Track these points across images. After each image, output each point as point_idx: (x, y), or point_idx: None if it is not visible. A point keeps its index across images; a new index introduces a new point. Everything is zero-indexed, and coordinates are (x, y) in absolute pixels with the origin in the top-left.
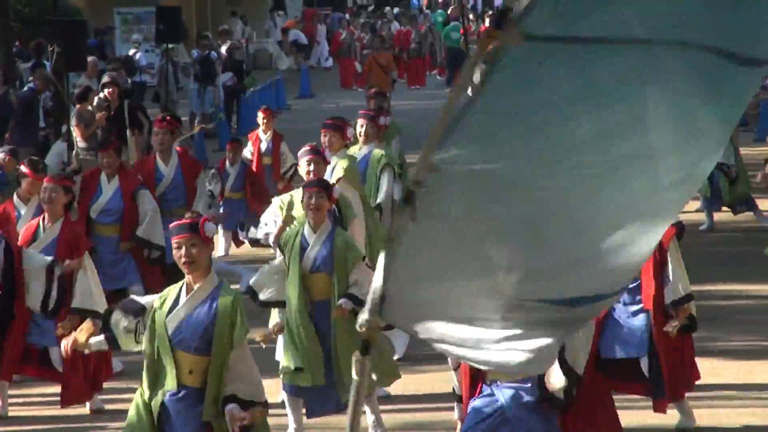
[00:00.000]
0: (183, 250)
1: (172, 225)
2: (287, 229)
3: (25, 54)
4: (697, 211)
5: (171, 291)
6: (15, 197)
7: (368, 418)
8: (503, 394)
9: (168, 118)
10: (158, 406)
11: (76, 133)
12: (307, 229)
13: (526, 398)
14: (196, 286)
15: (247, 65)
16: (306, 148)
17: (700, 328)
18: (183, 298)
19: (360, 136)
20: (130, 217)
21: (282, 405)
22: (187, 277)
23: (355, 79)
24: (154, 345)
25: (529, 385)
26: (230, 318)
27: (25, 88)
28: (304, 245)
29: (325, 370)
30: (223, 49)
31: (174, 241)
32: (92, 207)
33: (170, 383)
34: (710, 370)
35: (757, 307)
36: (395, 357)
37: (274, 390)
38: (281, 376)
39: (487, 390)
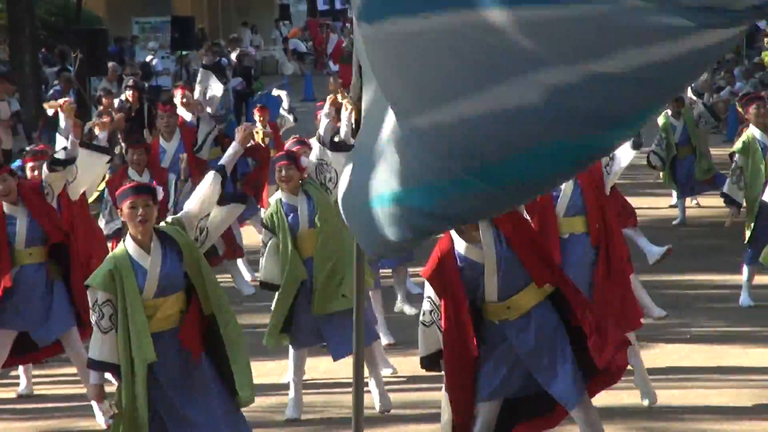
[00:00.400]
0: (140, 210)
1: (125, 187)
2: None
3: (50, 60)
4: (670, 207)
5: (120, 264)
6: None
7: (372, 392)
8: (510, 334)
9: (171, 102)
10: (145, 378)
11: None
12: (286, 197)
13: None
14: (152, 244)
15: (255, 71)
16: (294, 140)
17: (672, 315)
18: (146, 259)
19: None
20: (164, 205)
21: (287, 386)
22: (137, 238)
23: None
24: (126, 327)
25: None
26: (186, 240)
27: (51, 91)
28: (290, 212)
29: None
30: (233, 56)
31: (129, 202)
32: None
33: (149, 354)
34: (682, 354)
35: (724, 296)
36: (386, 342)
37: (277, 372)
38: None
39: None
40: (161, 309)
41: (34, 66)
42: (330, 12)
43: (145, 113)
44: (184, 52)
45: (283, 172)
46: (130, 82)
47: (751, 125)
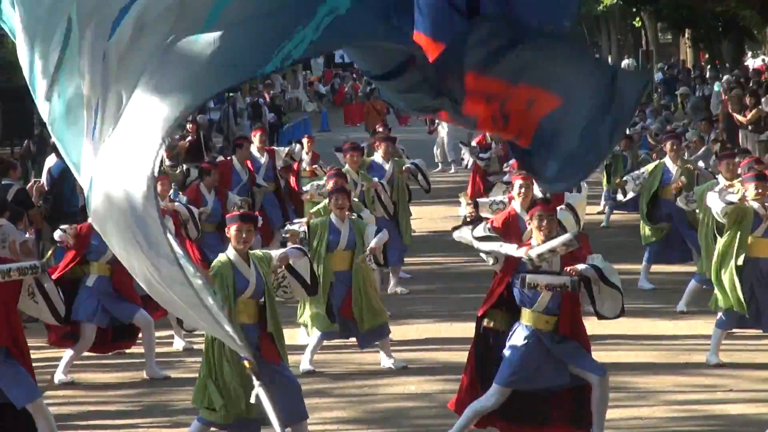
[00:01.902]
0: (244, 234)
1: (234, 213)
2: (314, 219)
3: None
4: (598, 213)
5: (224, 269)
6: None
7: (380, 355)
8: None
9: (214, 163)
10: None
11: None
12: (335, 220)
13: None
14: (250, 259)
15: (284, 108)
16: (332, 171)
17: None
18: (245, 269)
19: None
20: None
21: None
22: (239, 253)
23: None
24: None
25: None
26: (266, 263)
27: None
28: (335, 232)
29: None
30: (268, 97)
31: (236, 226)
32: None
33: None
34: (606, 325)
35: (638, 280)
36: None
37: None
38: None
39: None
40: (249, 306)
41: None
42: (342, 63)
43: (201, 140)
44: (230, 93)
45: (340, 201)
46: (190, 117)
47: (666, 157)
